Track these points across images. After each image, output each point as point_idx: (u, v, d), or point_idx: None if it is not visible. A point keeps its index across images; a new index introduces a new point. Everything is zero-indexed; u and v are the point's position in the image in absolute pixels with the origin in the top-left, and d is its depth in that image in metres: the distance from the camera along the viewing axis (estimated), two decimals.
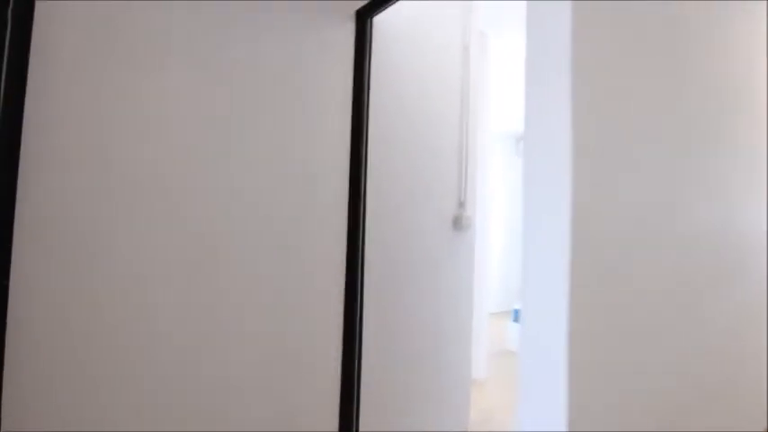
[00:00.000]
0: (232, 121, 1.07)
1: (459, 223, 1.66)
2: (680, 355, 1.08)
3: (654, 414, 0.98)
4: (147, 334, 0.92)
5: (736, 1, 1.36)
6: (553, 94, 0.80)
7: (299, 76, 1.21)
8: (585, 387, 0.79)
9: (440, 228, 1.63)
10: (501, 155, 5.71)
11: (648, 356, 0.97)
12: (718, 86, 1.27)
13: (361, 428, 1.32)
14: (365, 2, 1.36)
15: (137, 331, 0.90)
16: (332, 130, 1.29)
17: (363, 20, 1.38)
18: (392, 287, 1.46)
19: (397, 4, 1.46)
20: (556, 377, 0.77)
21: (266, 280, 1.12)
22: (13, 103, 0.78)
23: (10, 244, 0.75)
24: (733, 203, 1.31)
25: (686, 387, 1.10)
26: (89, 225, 0.86)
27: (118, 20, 0.90)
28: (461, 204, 1.71)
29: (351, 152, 1.34)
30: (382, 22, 1.46)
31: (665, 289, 1.03)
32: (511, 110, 4.79)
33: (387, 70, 1.48)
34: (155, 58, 0.95)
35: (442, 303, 1.65)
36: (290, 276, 1.17)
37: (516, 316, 3.55)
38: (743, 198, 1.37)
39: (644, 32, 0.98)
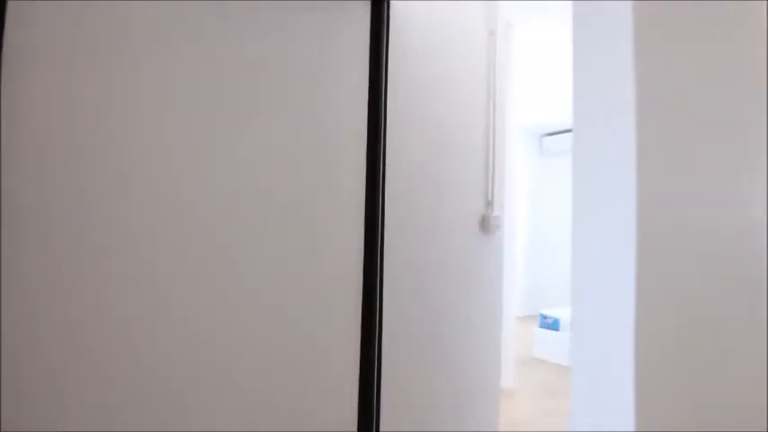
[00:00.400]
0: (234, 113, 0.97)
1: (486, 224, 1.53)
2: (750, 356, 0.95)
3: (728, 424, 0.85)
4: (154, 335, 0.83)
5: None
6: (610, 82, 0.69)
7: (309, 63, 1.11)
8: (654, 397, 0.69)
9: (465, 228, 1.50)
10: (523, 152, 5.52)
11: (724, 362, 0.84)
12: None
13: None
14: None
15: (143, 332, 0.81)
16: (346, 122, 1.18)
17: (379, 3, 1.26)
18: (415, 290, 1.34)
19: None
20: (621, 389, 0.68)
21: (276, 280, 1.02)
22: None
23: None
24: None
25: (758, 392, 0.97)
26: (89, 226, 0.76)
27: (111, 13, 0.81)
28: (489, 204, 1.57)
29: (367, 146, 1.22)
30: (400, 5, 1.34)
31: (734, 289, 0.90)
32: (533, 105, 4.62)
33: (406, 57, 1.36)
34: (155, 50, 0.85)
35: (468, 309, 1.52)
36: (302, 276, 1.06)
37: (543, 322, 3.37)
38: None
39: (710, 12, 0.85)
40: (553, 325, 3.27)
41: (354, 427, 1.17)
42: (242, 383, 0.97)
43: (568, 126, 5.42)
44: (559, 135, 5.57)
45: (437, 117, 1.44)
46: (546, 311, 3.40)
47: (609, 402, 0.68)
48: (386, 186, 1.27)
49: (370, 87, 1.24)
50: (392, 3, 1.30)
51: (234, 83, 0.98)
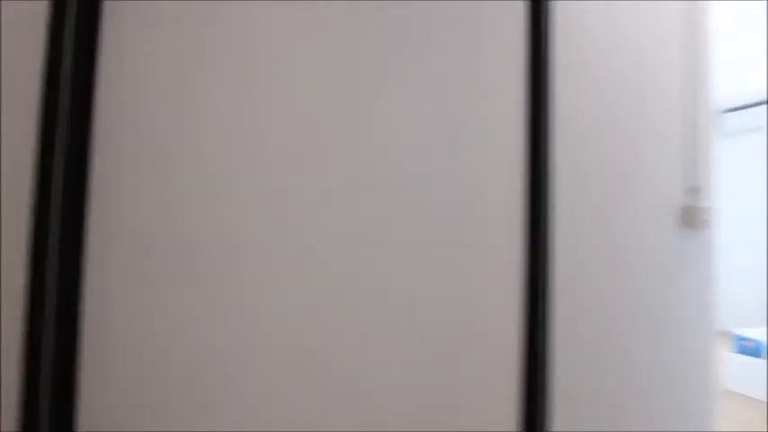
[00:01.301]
0: (385, 104, 0.81)
1: (692, 218, 1.14)
2: None
3: None
4: (302, 335, 0.72)
5: None
6: None
7: (463, 39, 0.90)
8: None
9: (659, 223, 1.14)
10: None
11: None
12: None
13: None
14: None
15: (290, 330, 0.71)
16: (503, 99, 0.94)
17: None
18: (590, 290, 1.04)
19: None
20: None
21: (429, 279, 0.85)
22: (82, 89, 0.63)
23: (82, 265, 0.60)
24: None
25: None
26: (195, 220, 0.68)
27: None
28: (694, 191, 1.18)
29: (529, 116, 0.97)
30: None
31: None
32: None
33: (575, 10, 1.07)
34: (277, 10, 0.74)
35: (666, 322, 1.16)
36: (457, 276, 0.87)
37: (740, 345, 2.64)
38: None
39: None
40: (755, 351, 2.54)
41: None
42: (394, 384, 0.83)
43: (754, 99, 4.33)
44: (744, 110, 4.48)
45: (619, 75, 1.11)
46: (743, 332, 2.66)
47: None
48: (553, 170, 1.00)
49: (530, 48, 0.99)
50: None
51: (382, 72, 0.82)
